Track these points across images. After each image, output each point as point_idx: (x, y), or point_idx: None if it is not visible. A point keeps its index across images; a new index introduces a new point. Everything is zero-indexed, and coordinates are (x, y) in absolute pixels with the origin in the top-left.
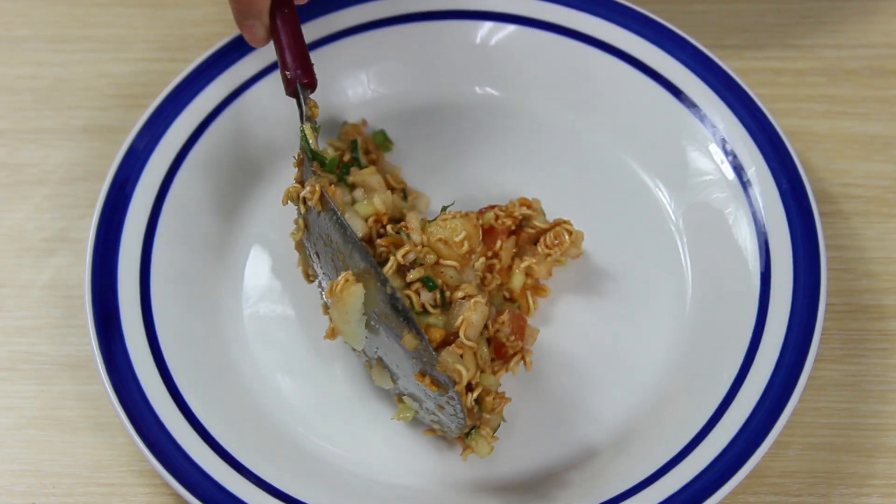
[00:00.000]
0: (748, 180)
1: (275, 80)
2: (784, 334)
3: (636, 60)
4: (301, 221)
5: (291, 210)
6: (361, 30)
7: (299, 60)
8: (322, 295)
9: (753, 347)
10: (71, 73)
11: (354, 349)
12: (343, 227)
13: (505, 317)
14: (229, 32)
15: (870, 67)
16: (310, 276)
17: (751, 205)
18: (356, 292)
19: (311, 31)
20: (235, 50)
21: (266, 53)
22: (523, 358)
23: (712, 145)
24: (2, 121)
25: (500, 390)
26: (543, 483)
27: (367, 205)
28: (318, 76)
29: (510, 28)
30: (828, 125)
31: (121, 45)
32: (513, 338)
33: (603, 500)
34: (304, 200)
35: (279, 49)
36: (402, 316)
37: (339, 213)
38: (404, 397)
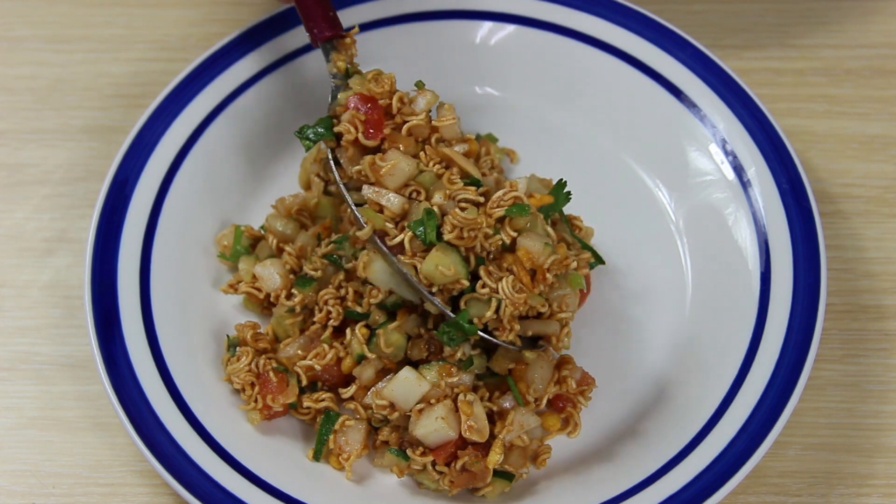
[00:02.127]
0: (748, 180)
1: (275, 81)
2: (784, 334)
3: (636, 60)
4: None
5: None
6: (361, 30)
7: (319, 14)
8: None
9: (753, 347)
10: (71, 73)
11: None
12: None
13: (574, 366)
14: (229, 32)
15: (870, 67)
16: None
17: (751, 205)
18: (377, 269)
19: None
20: (235, 50)
21: (265, 53)
22: (574, 418)
23: (712, 145)
24: (2, 121)
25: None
26: (543, 483)
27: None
28: (318, 76)
29: (510, 28)
30: (828, 125)
31: (121, 45)
32: (574, 386)
33: (603, 500)
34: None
35: (299, 6)
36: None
37: (342, 188)
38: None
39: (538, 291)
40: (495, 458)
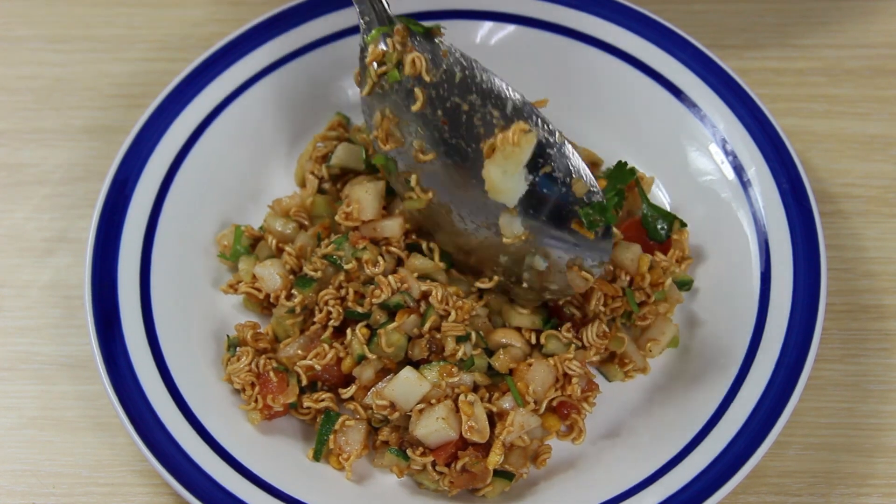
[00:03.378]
0: (748, 180)
1: (275, 81)
2: (784, 334)
3: (636, 60)
4: (419, 91)
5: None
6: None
7: None
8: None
9: (753, 347)
10: (71, 73)
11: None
12: (492, 84)
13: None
14: (229, 32)
15: (870, 67)
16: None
17: (751, 205)
18: (531, 139)
19: (311, 30)
20: (235, 50)
21: (265, 54)
22: (579, 424)
23: (712, 145)
24: (2, 121)
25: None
26: (543, 483)
27: None
28: (318, 75)
29: (510, 28)
30: (828, 125)
31: (121, 45)
32: (579, 392)
33: (603, 500)
34: (426, 67)
35: None
36: (570, 161)
37: (487, 70)
38: (535, 258)
39: (639, 299)
40: (495, 458)
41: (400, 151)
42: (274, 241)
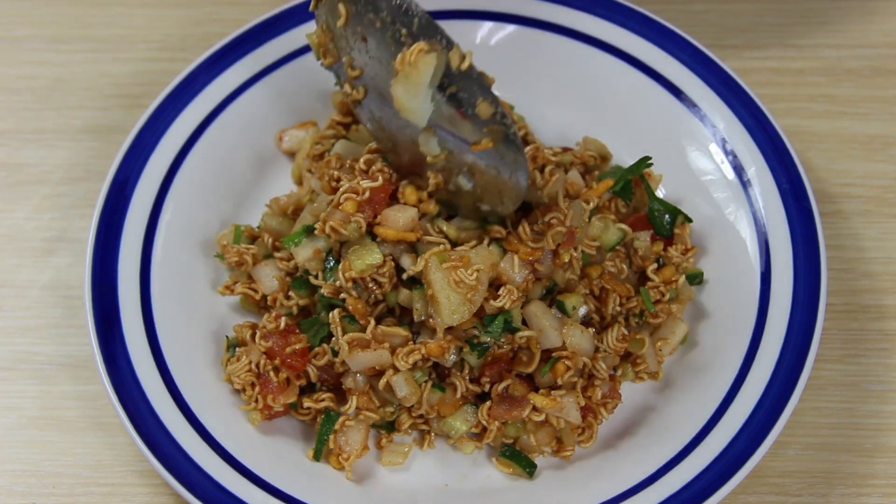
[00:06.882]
0: (748, 180)
1: (275, 81)
2: (784, 334)
3: (636, 60)
4: (342, 7)
5: None
6: None
7: None
8: (351, 90)
9: (753, 347)
10: (71, 73)
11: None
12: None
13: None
14: (229, 32)
15: (870, 67)
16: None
17: (751, 205)
18: (430, 61)
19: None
20: (235, 50)
21: (265, 54)
22: (593, 428)
23: (712, 145)
24: (2, 121)
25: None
26: (543, 483)
27: None
28: (318, 75)
29: (510, 28)
30: (828, 125)
31: (121, 45)
32: (599, 396)
33: (603, 500)
34: None
35: None
36: (477, 83)
37: None
38: (459, 178)
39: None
40: (540, 399)
41: (338, 66)
42: (270, 240)
